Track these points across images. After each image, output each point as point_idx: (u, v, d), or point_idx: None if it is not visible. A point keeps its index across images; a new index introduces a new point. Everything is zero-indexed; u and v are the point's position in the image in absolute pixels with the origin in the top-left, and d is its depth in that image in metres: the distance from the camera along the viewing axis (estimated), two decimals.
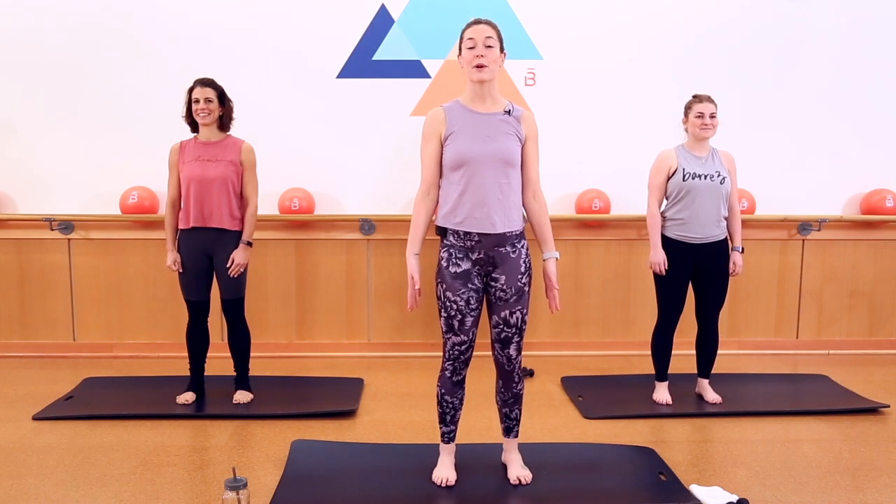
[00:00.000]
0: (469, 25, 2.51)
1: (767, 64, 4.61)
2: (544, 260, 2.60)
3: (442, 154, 2.54)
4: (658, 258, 3.47)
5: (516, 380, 2.65)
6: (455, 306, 2.51)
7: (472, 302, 2.53)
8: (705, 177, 3.38)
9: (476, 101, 2.53)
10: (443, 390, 2.63)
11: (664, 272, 3.47)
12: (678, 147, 3.49)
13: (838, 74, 4.63)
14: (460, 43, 2.53)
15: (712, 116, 3.38)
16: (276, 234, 4.53)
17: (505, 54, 2.55)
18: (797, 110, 4.65)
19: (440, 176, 2.57)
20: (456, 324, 2.52)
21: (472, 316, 2.53)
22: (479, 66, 2.45)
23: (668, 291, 3.49)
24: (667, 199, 3.50)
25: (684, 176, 3.38)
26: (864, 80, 4.64)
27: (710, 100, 3.41)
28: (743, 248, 3.59)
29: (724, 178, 3.40)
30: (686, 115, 3.47)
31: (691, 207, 3.40)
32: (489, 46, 2.46)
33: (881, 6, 4.60)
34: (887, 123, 4.68)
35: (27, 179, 4.50)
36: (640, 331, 4.69)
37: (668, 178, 3.44)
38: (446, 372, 2.59)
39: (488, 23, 2.50)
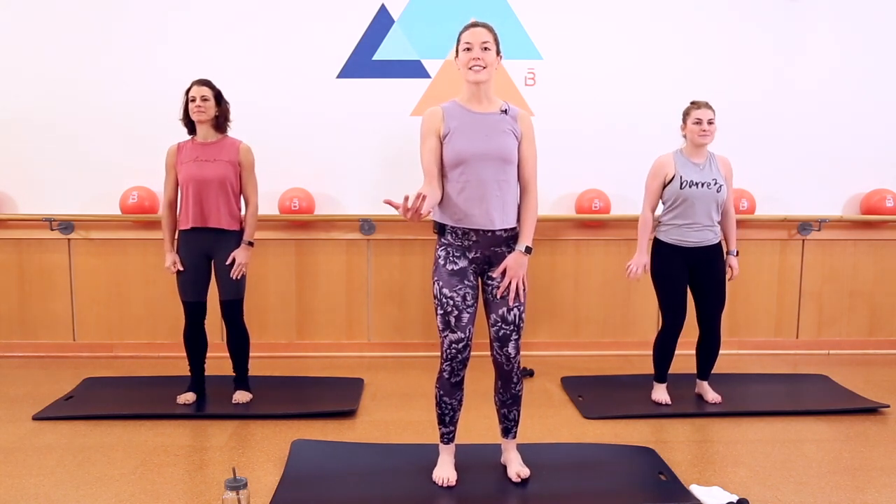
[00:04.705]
0: (466, 29, 2.53)
1: (767, 63, 4.61)
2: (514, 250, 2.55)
3: (442, 151, 2.54)
4: (639, 262, 3.46)
5: (515, 380, 2.65)
6: (452, 302, 2.51)
7: (468, 298, 2.54)
8: (702, 185, 3.38)
9: (472, 102, 2.55)
10: (441, 392, 2.62)
11: (639, 277, 3.46)
12: (676, 152, 3.49)
13: (838, 74, 4.63)
14: (457, 46, 2.54)
15: (710, 123, 3.38)
16: (276, 234, 4.53)
17: (501, 57, 2.56)
18: (797, 110, 4.64)
19: (441, 172, 2.54)
20: (452, 320, 2.52)
21: (468, 312, 2.54)
22: (476, 68, 2.47)
23: (669, 295, 3.49)
24: (663, 204, 3.50)
25: (681, 184, 3.39)
26: (865, 80, 4.64)
27: (707, 106, 3.40)
28: (737, 252, 3.59)
29: (720, 186, 3.40)
30: (684, 121, 3.47)
31: (687, 214, 3.41)
32: (486, 49, 2.48)
33: (881, 6, 4.60)
34: (887, 124, 4.68)
35: (27, 179, 4.50)
36: (639, 331, 4.69)
37: (665, 185, 3.44)
38: (444, 373, 2.59)
39: (485, 26, 2.52)
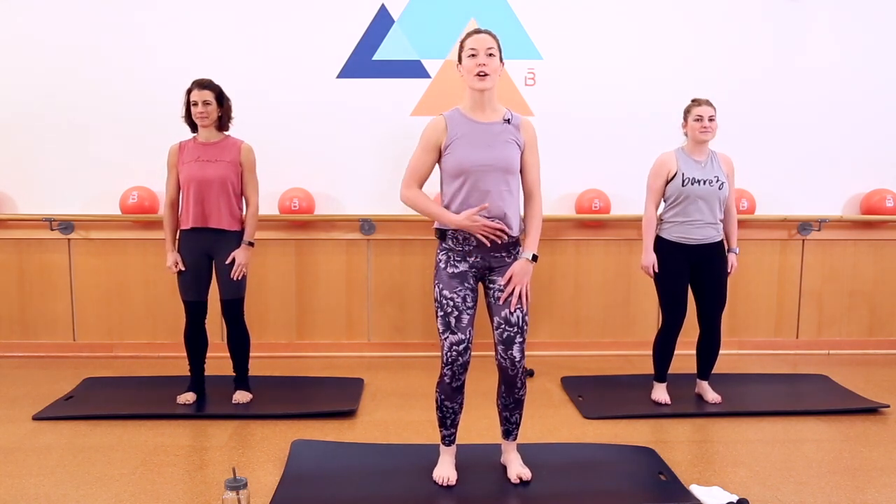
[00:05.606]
0: (469, 35, 2.52)
1: (767, 64, 4.61)
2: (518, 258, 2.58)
3: (438, 164, 2.59)
4: (648, 261, 3.48)
5: (519, 385, 2.63)
6: (452, 303, 2.52)
7: (468, 300, 2.54)
8: (704, 182, 3.39)
9: (476, 110, 2.55)
10: (442, 396, 2.62)
11: (652, 275, 3.48)
12: (678, 150, 3.50)
13: (838, 74, 4.63)
14: (460, 52, 2.54)
15: (711, 119, 3.39)
16: (276, 234, 4.54)
17: (503, 64, 2.57)
18: (797, 110, 4.65)
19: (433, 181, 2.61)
20: (453, 321, 2.52)
21: (468, 314, 2.54)
22: (481, 75, 2.46)
23: (670, 293, 3.50)
24: (665, 201, 3.51)
25: (683, 181, 3.39)
26: (864, 80, 4.64)
27: (708, 103, 3.41)
28: (738, 250, 3.60)
29: (722, 184, 3.41)
30: (685, 118, 3.47)
31: (689, 211, 3.42)
32: (490, 55, 2.48)
33: (881, 6, 4.60)
34: (887, 123, 4.68)
35: (27, 179, 4.50)
36: (640, 331, 4.69)
37: (668, 182, 3.45)
38: (445, 378, 2.58)
39: (489, 33, 2.52)
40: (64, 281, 4.55)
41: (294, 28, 4.49)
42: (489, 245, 2.52)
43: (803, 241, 4.71)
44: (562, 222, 4.59)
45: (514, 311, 2.54)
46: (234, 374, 3.65)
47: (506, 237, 2.53)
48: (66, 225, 4.48)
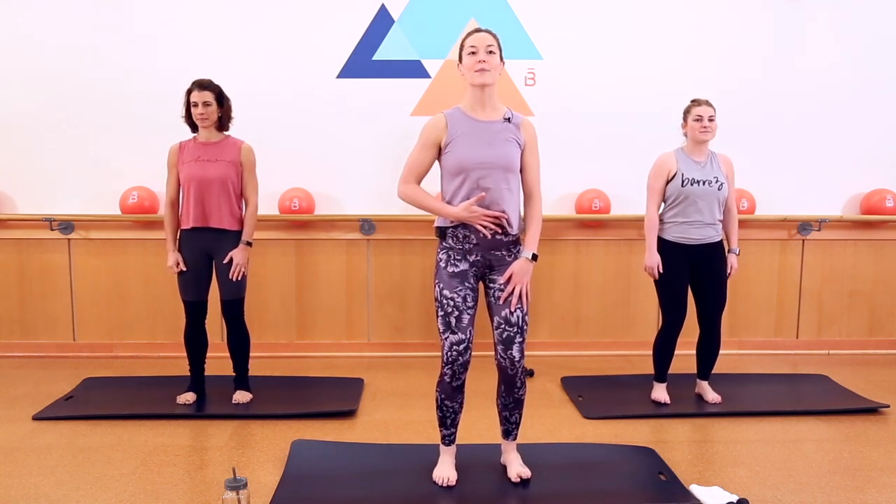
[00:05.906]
0: (470, 34, 2.54)
1: (767, 63, 4.61)
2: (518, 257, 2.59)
3: (438, 162, 2.60)
4: (652, 262, 3.48)
5: (518, 385, 2.64)
6: (452, 303, 2.52)
7: (468, 300, 2.55)
8: (704, 182, 3.39)
9: (476, 108, 2.56)
10: (442, 395, 2.62)
11: (657, 276, 3.48)
12: (677, 151, 3.50)
13: (838, 74, 4.63)
14: (460, 52, 2.56)
15: (711, 119, 3.39)
16: (276, 234, 4.54)
17: (503, 63, 2.59)
18: (797, 110, 4.65)
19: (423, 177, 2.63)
20: (453, 321, 2.52)
21: (468, 313, 2.54)
22: (481, 70, 2.47)
23: (670, 293, 3.50)
24: (664, 202, 3.51)
25: (683, 181, 3.40)
26: (864, 80, 4.64)
27: (708, 103, 3.42)
28: (739, 251, 3.60)
29: (721, 184, 3.41)
30: (685, 119, 3.48)
31: (688, 211, 3.42)
32: (490, 52, 2.49)
33: (881, 6, 4.60)
34: (887, 123, 4.68)
35: (27, 179, 4.50)
36: (640, 331, 4.69)
37: (668, 182, 3.45)
38: (445, 377, 2.58)
39: (489, 32, 2.54)
40: (64, 281, 4.55)
41: (294, 28, 4.49)
42: (490, 236, 2.52)
43: (803, 241, 4.71)
44: (562, 222, 4.59)
45: (514, 310, 2.54)
46: (234, 374, 3.65)
47: (506, 225, 2.53)
48: (66, 225, 4.48)
